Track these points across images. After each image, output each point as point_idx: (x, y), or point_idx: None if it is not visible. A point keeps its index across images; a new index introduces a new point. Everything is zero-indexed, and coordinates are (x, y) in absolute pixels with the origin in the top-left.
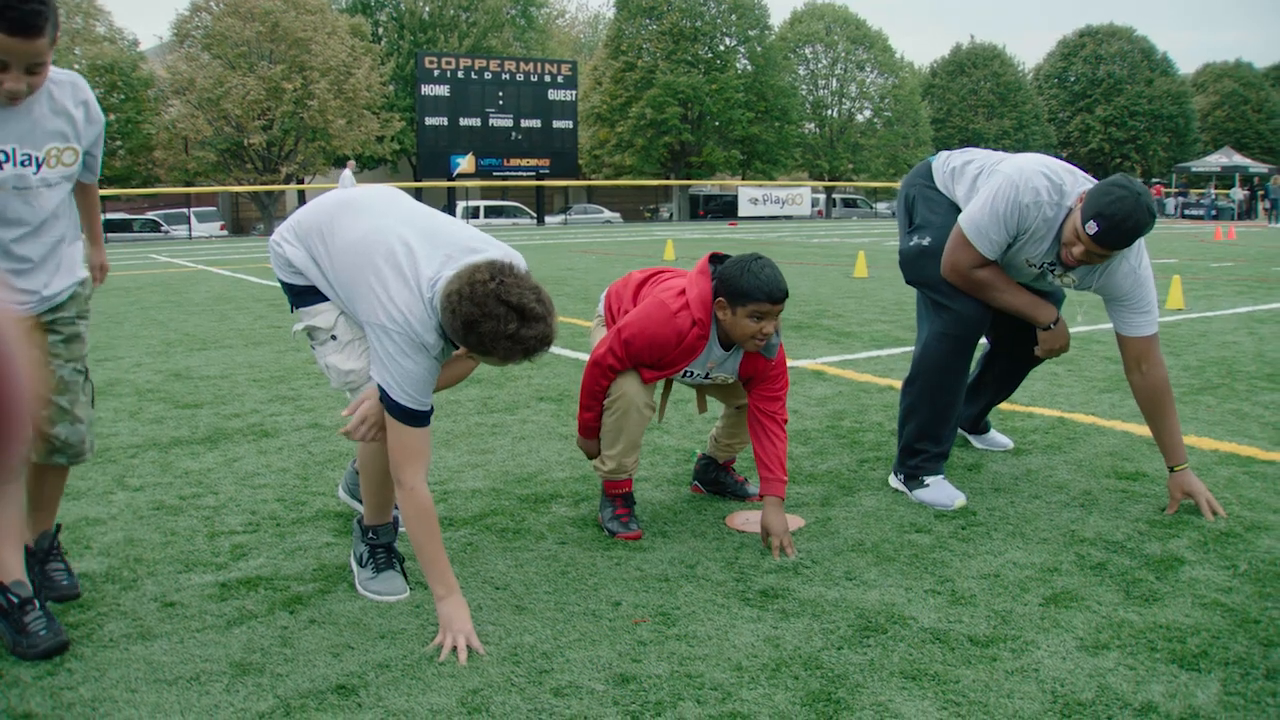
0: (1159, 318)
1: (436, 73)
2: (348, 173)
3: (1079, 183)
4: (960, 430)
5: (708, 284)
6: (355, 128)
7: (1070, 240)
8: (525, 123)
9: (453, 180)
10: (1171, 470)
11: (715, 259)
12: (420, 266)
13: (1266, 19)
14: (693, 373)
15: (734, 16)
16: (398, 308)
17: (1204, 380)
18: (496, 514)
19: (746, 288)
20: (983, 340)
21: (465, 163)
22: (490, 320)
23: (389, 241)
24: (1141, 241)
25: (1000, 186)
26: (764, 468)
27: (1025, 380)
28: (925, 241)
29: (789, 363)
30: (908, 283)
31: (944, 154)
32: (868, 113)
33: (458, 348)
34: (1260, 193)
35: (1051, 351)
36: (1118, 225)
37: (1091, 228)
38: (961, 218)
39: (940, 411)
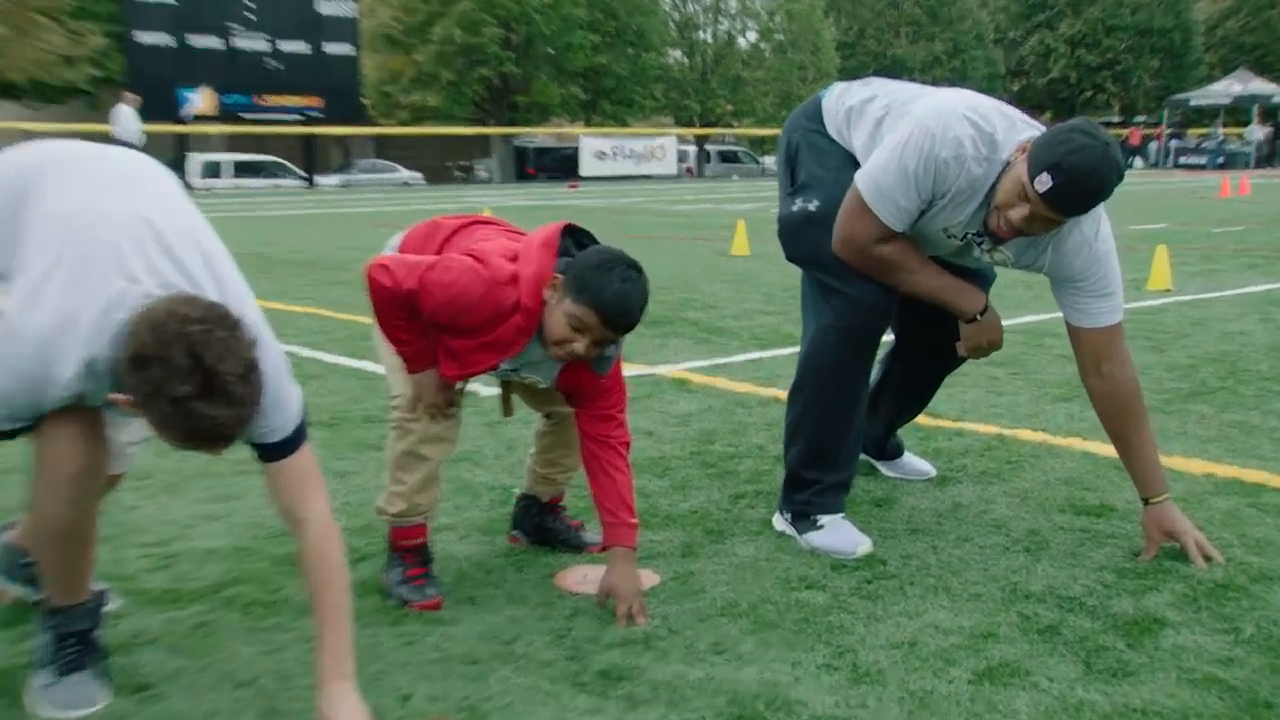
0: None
1: None
2: (127, 110)
3: (1017, 129)
4: (864, 455)
5: (550, 262)
6: (25, 41)
7: (1009, 201)
8: (286, 46)
9: (182, 125)
10: (1147, 503)
11: (568, 232)
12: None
13: None
14: (499, 366)
15: None
16: (45, 315)
17: (1197, 383)
18: (241, 582)
19: (590, 285)
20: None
21: (200, 100)
22: (162, 368)
23: (116, 236)
24: (1101, 210)
25: (911, 136)
26: (604, 510)
27: (943, 387)
28: (812, 206)
29: (641, 370)
30: (789, 259)
31: (839, 87)
32: (752, 35)
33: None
34: None
35: (978, 349)
36: (1078, 182)
37: (1044, 182)
38: (859, 176)
39: (835, 428)
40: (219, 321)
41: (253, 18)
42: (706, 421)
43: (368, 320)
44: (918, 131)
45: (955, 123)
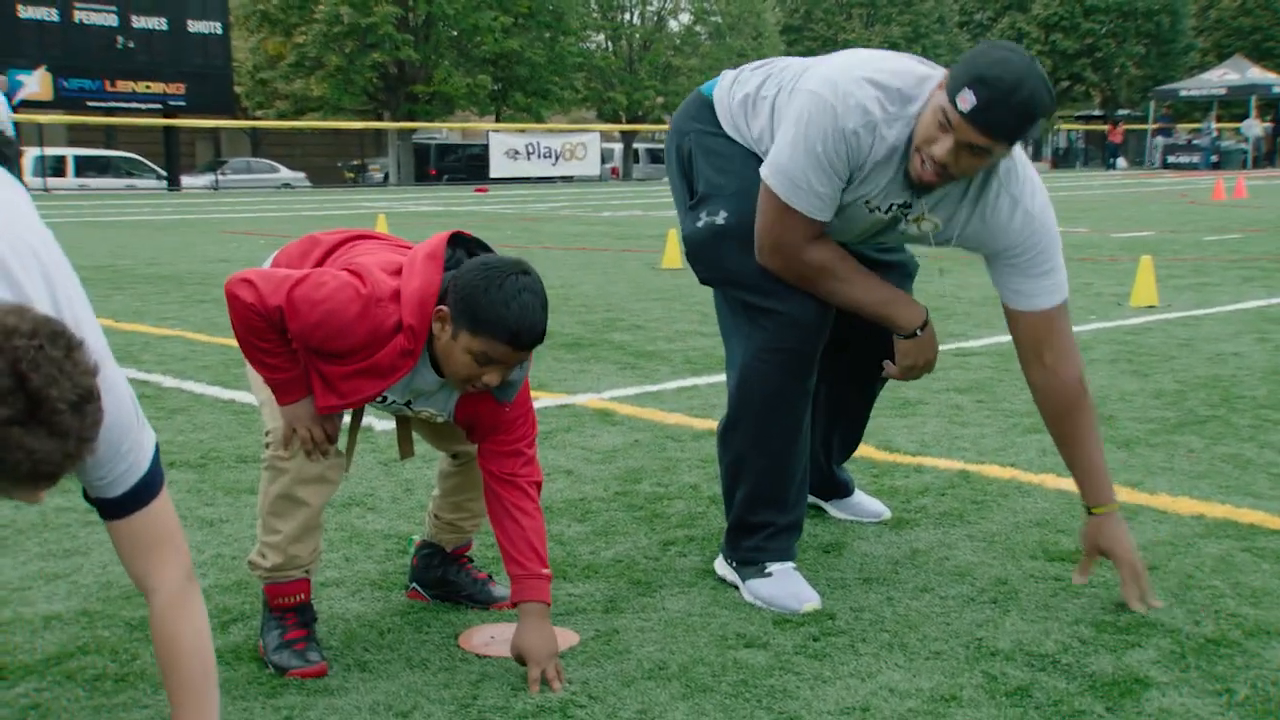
0: (1105, 320)
1: None
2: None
3: (933, 75)
4: (810, 495)
5: (437, 276)
6: None
7: (930, 135)
8: (141, 22)
9: (12, 113)
10: (1089, 512)
11: (458, 242)
12: None
13: None
14: (387, 398)
15: None
16: None
17: (1186, 412)
18: (87, 652)
19: (484, 311)
20: None
21: (34, 83)
22: None
23: None
24: (1034, 174)
25: (810, 114)
26: (511, 561)
27: (900, 417)
28: (719, 219)
29: (559, 399)
30: (703, 282)
31: (729, 75)
32: (685, 18)
33: None
34: None
35: (913, 370)
36: (1006, 95)
37: (967, 99)
38: (766, 172)
39: (781, 464)
40: (53, 339)
41: None
42: (633, 458)
43: (228, 342)
44: (815, 107)
45: (855, 88)
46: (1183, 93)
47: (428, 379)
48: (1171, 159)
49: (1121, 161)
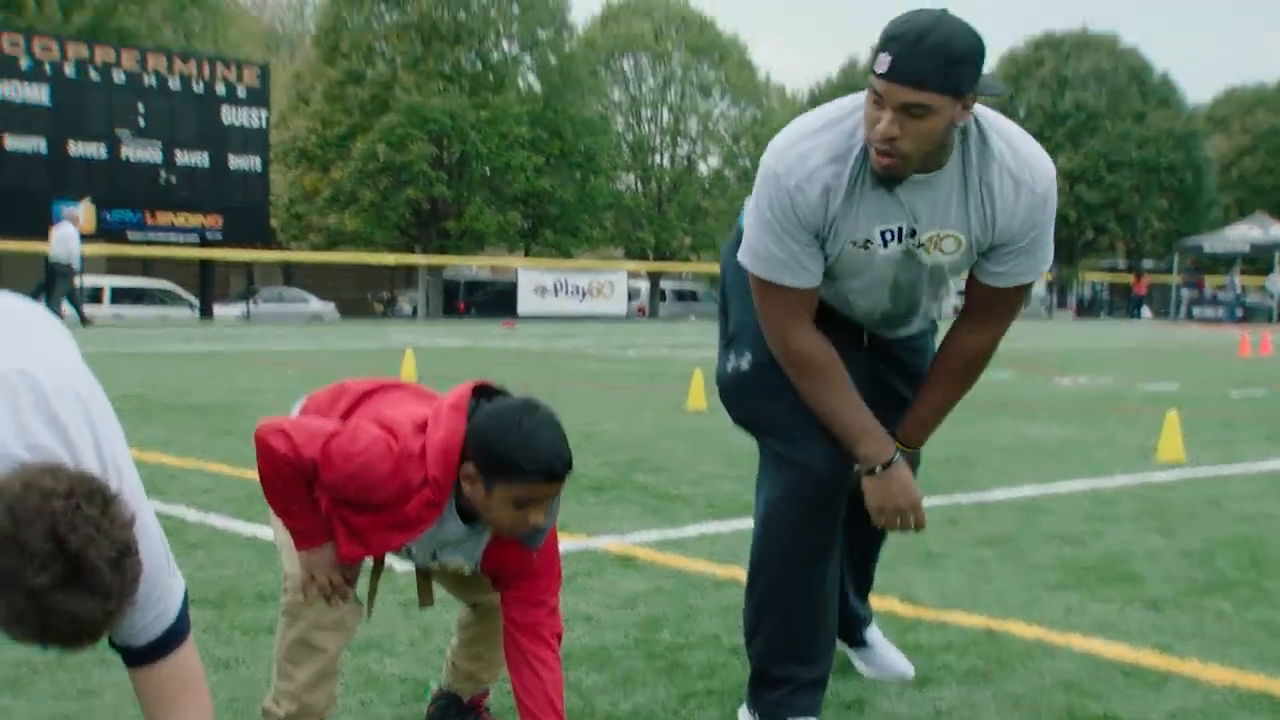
0: (1131, 472)
1: (25, 64)
2: (70, 228)
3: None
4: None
5: (460, 426)
6: None
7: (871, 119)
8: (184, 156)
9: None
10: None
11: (481, 393)
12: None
13: None
14: (411, 551)
15: (515, 8)
16: None
17: (1214, 574)
18: None
19: (513, 456)
20: None
21: (79, 214)
22: (17, 552)
23: None
24: (1032, 147)
25: (758, 186)
26: (526, 712)
27: (923, 569)
28: (745, 363)
29: (580, 543)
30: (735, 422)
31: (750, 202)
32: (715, 160)
33: None
34: None
35: (883, 514)
36: (918, 41)
37: (883, 61)
38: (741, 258)
39: (805, 616)
40: (89, 496)
41: (145, 123)
42: (654, 605)
43: (252, 474)
44: (762, 178)
45: (791, 145)
46: (1207, 247)
47: (453, 529)
48: (1197, 311)
49: (1146, 312)
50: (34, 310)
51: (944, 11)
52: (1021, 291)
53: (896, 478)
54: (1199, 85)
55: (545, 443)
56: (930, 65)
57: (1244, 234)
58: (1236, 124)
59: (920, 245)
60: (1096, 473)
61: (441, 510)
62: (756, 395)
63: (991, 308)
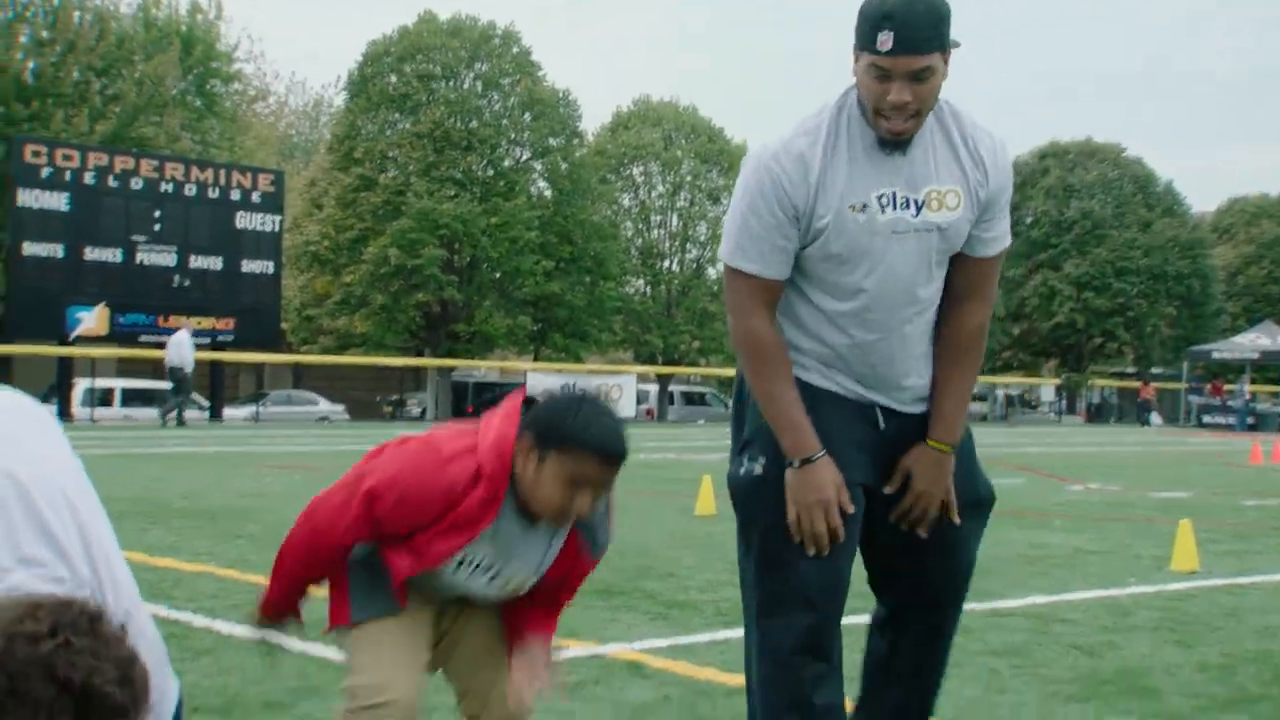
0: (1145, 583)
1: (46, 171)
2: (185, 336)
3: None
4: None
5: (513, 428)
6: None
7: (875, 91)
8: (198, 261)
9: (68, 345)
10: (927, 444)
11: (530, 403)
12: None
13: None
14: (474, 563)
15: (527, 116)
16: None
17: (1235, 689)
18: None
19: (570, 428)
20: None
21: (91, 319)
22: (22, 707)
23: None
24: None
25: (737, 185)
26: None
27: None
28: (758, 468)
29: (588, 649)
30: (739, 527)
31: None
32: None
33: None
34: None
35: (796, 506)
36: (910, 12)
37: (885, 39)
38: (720, 249)
39: None
40: (74, 625)
41: (159, 228)
42: (663, 715)
43: (260, 580)
44: (740, 177)
45: (769, 139)
46: (1215, 354)
47: (510, 526)
48: (1207, 419)
49: (1156, 418)
50: (22, 404)
51: None
52: (998, 262)
53: (815, 474)
54: (1204, 194)
55: (604, 425)
56: (929, 30)
57: (1253, 342)
58: (1241, 233)
59: (923, 205)
60: (1111, 582)
61: (499, 507)
62: (766, 500)
63: (984, 283)
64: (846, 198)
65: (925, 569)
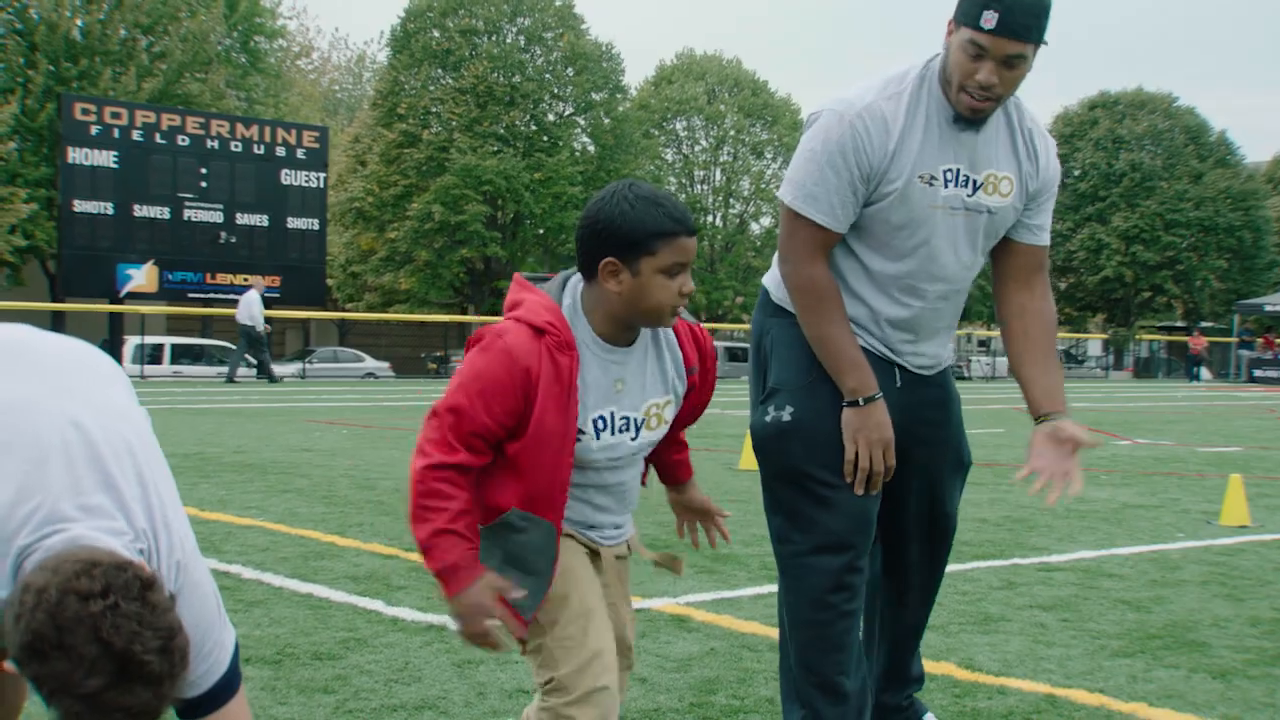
0: (1193, 539)
1: (95, 129)
2: (255, 295)
3: (914, 64)
4: None
5: (542, 293)
6: None
7: (967, 69)
8: (244, 219)
9: (118, 304)
10: (1046, 418)
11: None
12: (34, 500)
13: None
14: (606, 420)
15: (570, 71)
16: None
17: None
18: None
19: (646, 225)
20: None
21: (141, 276)
22: (65, 659)
23: (45, 434)
24: None
25: (811, 130)
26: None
27: (983, 634)
28: (786, 415)
29: (633, 603)
30: (769, 475)
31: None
32: (767, 220)
33: None
34: None
35: (856, 443)
36: None
37: (990, 18)
38: (782, 189)
39: (826, 678)
40: (125, 590)
41: (206, 186)
42: (708, 667)
43: (321, 536)
44: (818, 123)
45: (850, 93)
46: (1268, 308)
47: (614, 366)
48: (1258, 373)
49: (1205, 373)
50: (94, 355)
51: None
52: (1047, 250)
53: (878, 413)
54: (1257, 143)
55: (662, 200)
56: (1033, 19)
57: None
58: None
59: (979, 186)
60: (1159, 536)
61: (574, 345)
62: (794, 447)
63: (1039, 270)
64: (918, 167)
65: (908, 513)
